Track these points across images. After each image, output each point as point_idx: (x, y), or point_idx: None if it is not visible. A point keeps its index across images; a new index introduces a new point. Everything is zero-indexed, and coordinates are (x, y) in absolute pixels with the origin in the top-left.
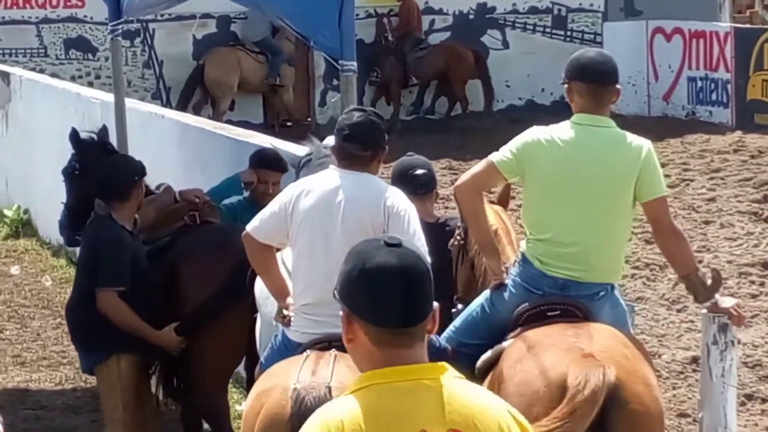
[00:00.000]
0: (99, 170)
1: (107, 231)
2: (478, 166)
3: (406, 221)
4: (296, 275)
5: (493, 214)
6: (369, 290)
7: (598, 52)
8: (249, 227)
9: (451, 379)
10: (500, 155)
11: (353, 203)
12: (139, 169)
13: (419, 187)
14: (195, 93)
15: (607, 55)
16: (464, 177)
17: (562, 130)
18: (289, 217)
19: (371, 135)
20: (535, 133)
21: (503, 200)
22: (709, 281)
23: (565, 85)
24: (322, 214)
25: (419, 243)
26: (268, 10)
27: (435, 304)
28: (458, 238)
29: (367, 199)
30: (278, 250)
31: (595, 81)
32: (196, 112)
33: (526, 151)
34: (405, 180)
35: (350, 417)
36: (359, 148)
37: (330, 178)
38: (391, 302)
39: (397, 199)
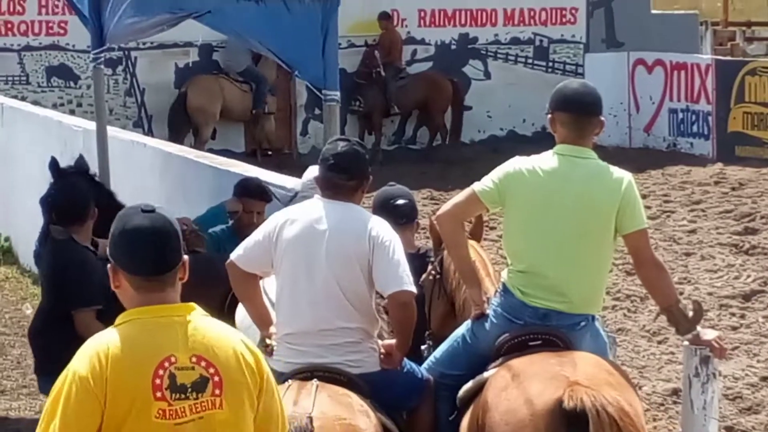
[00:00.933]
0: (55, 196)
1: (74, 253)
2: (460, 196)
3: (391, 251)
4: (279, 304)
5: (470, 249)
6: (127, 246)
7: (582, 83)
8: (233, 255)
9: (197, 317)
10: (482, 185)
11: (338, 233)
12: (90, 192)
13: (400, 217)
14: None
15: (590, 86)
16: (446, 206)
17: (543, 161)
18: (273, 246)
19: (356, 165)
20: (517, 163)
21: (476, 233)
22: (690, 313)
23: (549, 116)
24: (307, 244)
25: (404, 273)
26: (251, 39)
27: (185, 256)
28: (433, 272)
29: (351, 229)
30: (261, 278)
31: (578, 112)
32: (179, 140)
33: (508, 181)
34: (386, 210)
35: (114, 344)
36: (344, 178)
37: (314, 207)
38: (145, 256)
39: (382, 229)
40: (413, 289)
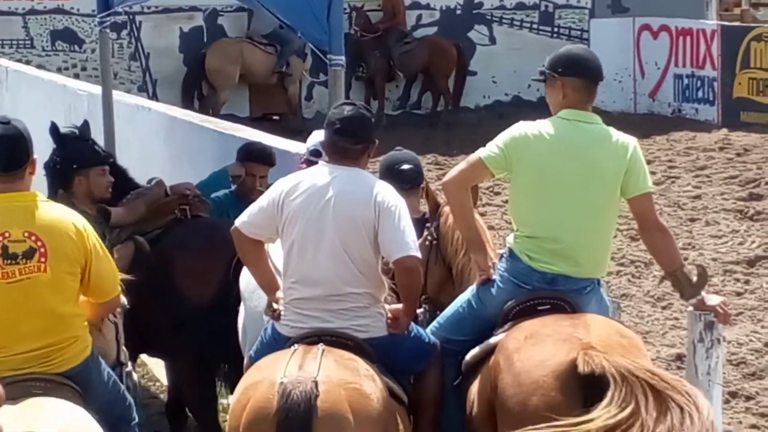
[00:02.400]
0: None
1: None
2: (465, 162)
3: (397, 217)
4: (286, 270)
5: None
6: None
7: (585, 49)
8: (238, 222)
9: (38, 202)
10: (487, 151)
11: (344, 198)
12: (79, 158)
13: (405, 182)
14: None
15: (592, 51)
16: (452, 173)
17: (549, 126)
18: (278, 212)
19: (362, 128)
20: (522, 128)
21: (472, 198)
22: (694, 278)
23: (553, 79)
24: (313, 210)
25: (410, 239)
26: (258, 2)
27: (34, 156)
28: (429, 237)
29: (357, 194)
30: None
31: (589, 77)
32: (187, 101)
33: (513, 146)
34: (391, 175)
35: None
36: (350, 142)
37: (321, 173)
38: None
39: (388, 194)
40: (419, 254)
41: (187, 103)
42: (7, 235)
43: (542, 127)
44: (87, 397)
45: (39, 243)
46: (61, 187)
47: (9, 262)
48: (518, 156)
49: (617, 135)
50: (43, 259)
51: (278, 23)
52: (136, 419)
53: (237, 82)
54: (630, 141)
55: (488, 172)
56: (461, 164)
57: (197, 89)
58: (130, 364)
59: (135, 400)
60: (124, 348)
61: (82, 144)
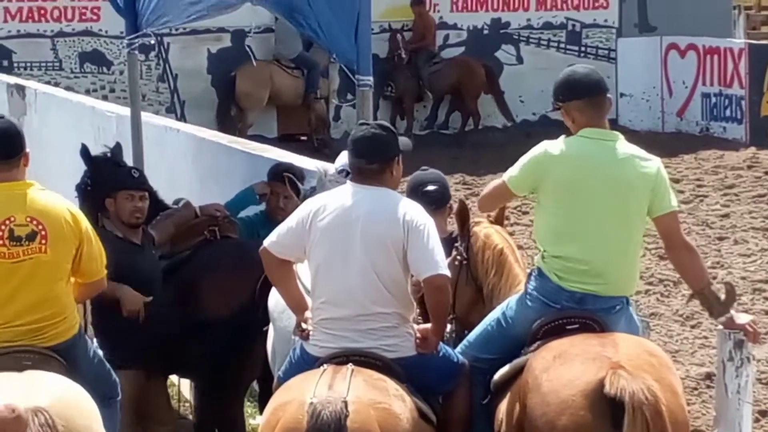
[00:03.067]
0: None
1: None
2: (490, 187)
3: (426, 235)
4: (315, 290)
5: (496, 234)
6: None
7: (584, 67)
8: (266, 242)
9: (35, 190)
10: (510, 174)
11: (372, 219)
12: (111, 181)
13: (430, 204)
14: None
15: (591, 67)
16: (481, 196)
17: (572, 144)
18: (306, 232)
19: (374, 149)
20: (545, 148)
21: (499, 218)
22: (722, 296)
23: (560, 109)
24: (341, 230)
25: (439, 257)
26: (296, 20)
27: (27, 150)
28: (459, 257)
29: (385, 214)
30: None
31: (590, 95)
32: (224, 125)
33: (537, 167)
34: (417, 195)
35: None
36: (364, 162)
37: (347, 193)
38: None
39: (416, 213)
40: (448, 272)
41: (223, 128)
42: (12, 219)
43: (565, 145)
44: (74, 373)
45: (40, 227)
46: (94, 208)
47: (14, 244)
48: (542, 176)
49: (641, 153)
50: (44, 242)
51: (302, 47)
52: (120, 396)
53: (265, 104)
54: (654, 159)
55: (512, 195)
56: (487, 189)
57: (231, 114)
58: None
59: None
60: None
61: (115, 167)
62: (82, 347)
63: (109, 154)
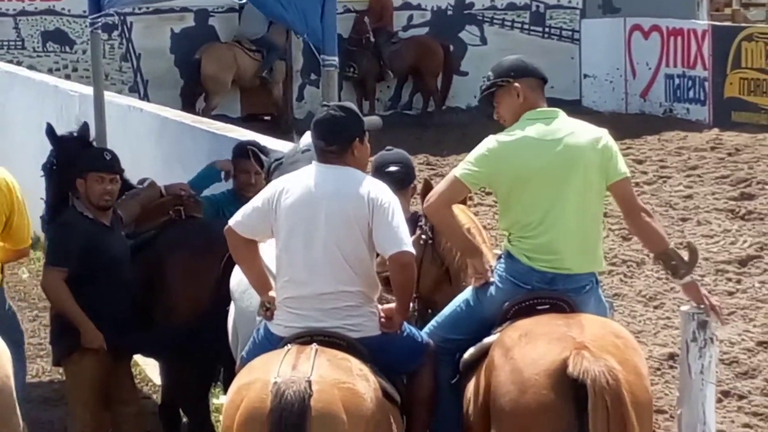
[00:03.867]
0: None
1: (61, 216)
2: (443, 184)
3: (391, 213)
4: (279, 269)
5: (462, 213)
6: None
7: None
8: (231, 221)
9: None
10: (462, 169)
11: (336, 197)
12: (84, 162)
13: (393, 184)
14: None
15: None
16: (431, 196)
17: (519, 130)
18: (272, 212)
19: (333, 130)
20: (494, 140)
21: (463, 200)
22: (686, 256)
23: (507, 86)
24: (306, 209)
25: (404, 234)
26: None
27: None
28: (423, 237)
29: (350, 193)
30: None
31: (539, 76)
32: (191, 106)
33: (488, 160)
34: (380, 176)
35: None
36: (323, 144)
37: (312, 173)
38: None
39: (380, 191)
40: (413, 250)
41: (188, 110)
42: None
43: (513, 132)
44: None
45: None
46: (62, 187)
47: None
48: (496, 168)
49: (587, 125)
50: None
51: (267, 28)
52: (25, 343)
53: (229, 87)
54: (600, 130)
55: (466, 189)
56: (439, 186)
57: (197, 95)
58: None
59: None
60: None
61: (82, 147)
62: (1, 300)
63: (75, 134)
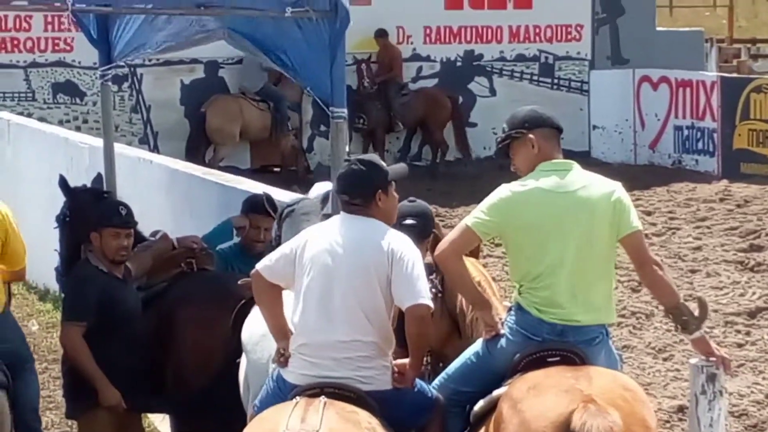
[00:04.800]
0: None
1: (76, 270)
2: (454, 232)
3: (410, 265)
4: (297, 317)
5: (471, 266)
6: None
7: (534, 107)
8: (259, 266)
9: None
10: (474, 218)
11: (357, 248)
12: (100, 217)
13: (410, 236)
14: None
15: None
16: (442, 244)
17: (532, 181)
18: (297, 259)
19: (356, 184)
20: (507, 189)
21: (474, 251)
22: (696, 311)
23: (522, 137)
24: (327, 258)
25: (422, 287)
26: (267, 55)
27: None
28: (434, 290)
29: (371, 243)
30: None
31: (554, 126)
32: (197, 159)
33: (500, 210)
34: (398, 228)
35: None
36: (347, 198)
37: (337, 223)
38: None
39: (402, 243)
40: (430, 303)
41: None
42: None
43: (526, 183)
44: (4, 342)
45: None
46: (75, 239)
47: None
48: (507, 218)
49: (600, 178)
50: None
51: (267, 78)
52: (34, 360)
53: (238, 139)
54: (614, 183)
55: (477, 238)
56: (450, 234)
57: (203, 148)
58: None
59: None
60: None
61: (96, 199)
62: (10, 322)
63: (88, 186)
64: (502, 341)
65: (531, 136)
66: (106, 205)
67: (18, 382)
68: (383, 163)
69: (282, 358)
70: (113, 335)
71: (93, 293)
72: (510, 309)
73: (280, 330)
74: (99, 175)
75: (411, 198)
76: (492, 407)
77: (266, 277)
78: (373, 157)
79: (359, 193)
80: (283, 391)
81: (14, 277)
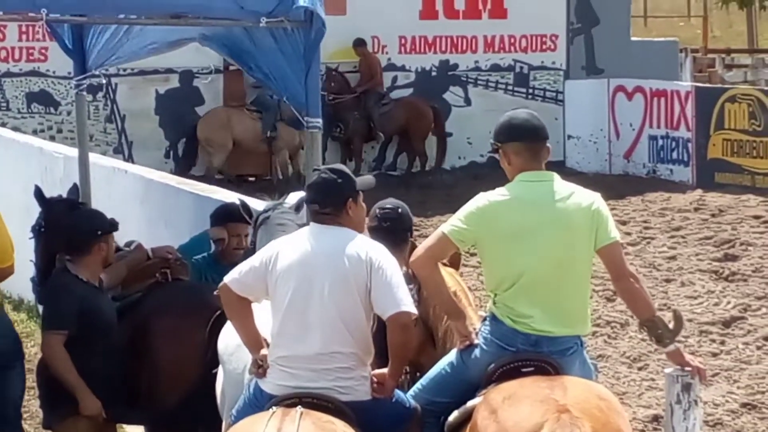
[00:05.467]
0: (63, 223)
1: (55, 279)
2: (431, 239)
3: (389, 274)
4: (275, 329)
5: (449, 277)
6: None
7: (527, 112)
8: (227, 279)
9: None
10: (451, 226)
11: (334, 258)
12: (101, 225)
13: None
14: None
15: (535, 113)
16: (418, 250)
17: (510, 191)
18: (269, 273)
19: (326, 193)
20: (484, 198)
21: (454, 262)
22: (671, 324)
23: (498, 149)
24: (303, 270)
25: (403, 295)
26: (244, 64)
27: None
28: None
29: (347, 254)
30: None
31: (530, 139)
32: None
33: (477, 218)
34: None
35: None
36: (317, 207)
37: (309, 234)
38: None
39: (378, 252)
40: (413, 310)
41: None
42: None
43: (504, 193)
44: None
45: None
46: (53, 250)
47: None
48: (484, 226)
49: (579, 189)
50: None
51: (260, 89)
52: (25, 356)
53: (231, 147)
54: (593, 194)
55: (453, 246)
56: (427, 241)
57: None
58: None
59: None
60: None
61: (88, 213)
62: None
63: (64, 196)
64: (477, 351)
65: (502, 150)
66: (97, 213)
67: (4, 381)
68: (351, 173)
69: (260, 369)
70: (92, 344)
71: (73, 302)
72: (484, 319)
73: (253, 341)
74: (75, 186)
75: (388, 206)
76: (466, 418)
77: (235, 291)
78: (341, 166)
79: (330, 202)
80: (260, 401)
81: (3, 274)
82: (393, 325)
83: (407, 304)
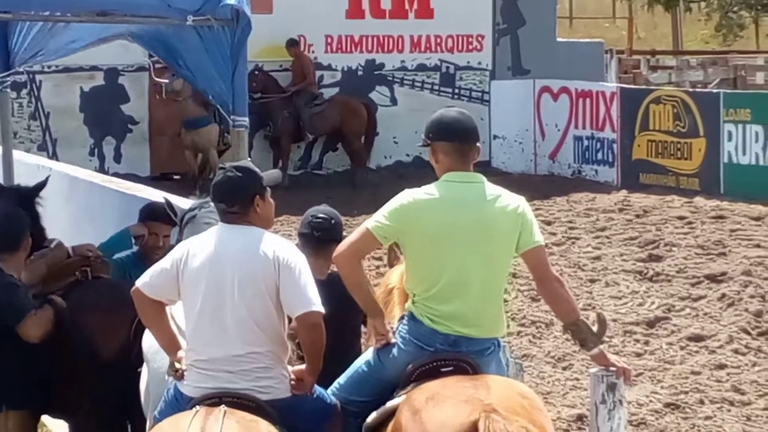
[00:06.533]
0: None
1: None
2: (354, 235)
3: (297, 273)
4: (189, 331)
5: (394, 273)
6: None
7: (459, 111)
8: (139, 282)
9: None
10: (374, 221)
11: (243, 257)
12: (28, 221)
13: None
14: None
15: (467, 113)
16: (342, 246)
17: (435, 189)
18: (180, 273)
19: (232, 191)
20: (409, 195)
21: (393, 262)
22: (594, 327)
23: (428, 146)
24: (212, 271)
25: (312, 295)
26: (165, 60)
27: None
28: None
29: (256, 253)
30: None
31: (460, 139)
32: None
33: (401, 215)
34: (304, 237)
35: None
36: (224, 206)
37: (217, 234)
38: None
39: (287, 251)
40: (321, 309)
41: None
42: None
43: (429, 191)
44: None
45: None
46: (8, 251)
47: None
48: (408, 223)
49: (504, 193)
50: None
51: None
52: None
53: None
54: (518, 198)
55: (377, 242)
56: (349, 237)
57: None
58: None
59: None
60: None
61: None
62: None
63: None
64: (394, 350)
65: (431, 147)
66: (21, 211)
67: None
68: (258, 169)
69: (178, 372)
70: (17, 342)
71: (22, 291)
72: (402, 318)
73: (169, 344)
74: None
75: (321, 216)
76: (385, 419)
77: (147, 294)
78: (246, 163)
79: (237, 200)
80: (180, 403)
81: None
82: (302, 324)
83: (315, 304)
